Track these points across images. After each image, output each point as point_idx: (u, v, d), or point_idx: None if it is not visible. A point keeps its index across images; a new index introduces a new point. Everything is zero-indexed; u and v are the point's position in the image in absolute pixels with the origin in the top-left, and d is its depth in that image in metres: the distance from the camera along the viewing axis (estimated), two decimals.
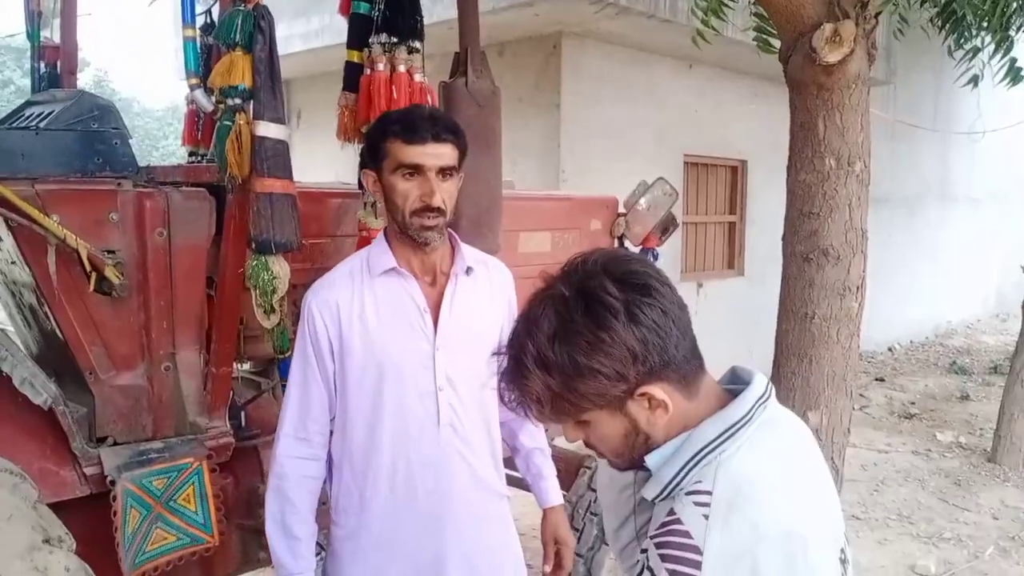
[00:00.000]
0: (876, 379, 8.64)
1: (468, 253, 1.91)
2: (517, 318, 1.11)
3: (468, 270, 1.88)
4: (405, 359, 1.81)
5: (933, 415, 7.33)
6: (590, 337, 1.02)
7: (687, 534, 0.99)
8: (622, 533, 1.27)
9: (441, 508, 1.87)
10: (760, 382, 1.13)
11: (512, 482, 3.41)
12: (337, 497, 1.91)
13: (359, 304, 1.81)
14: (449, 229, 1.89)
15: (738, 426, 1.07)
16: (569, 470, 3.13)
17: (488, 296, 1.92)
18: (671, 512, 1.04)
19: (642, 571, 1.02)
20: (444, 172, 1.78)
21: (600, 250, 1.11)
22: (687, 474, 1.07)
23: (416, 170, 1.75)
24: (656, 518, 1.09)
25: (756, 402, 1.09)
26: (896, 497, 5.32)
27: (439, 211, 1.77)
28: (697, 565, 0.97)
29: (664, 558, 0.99)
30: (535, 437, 2.13)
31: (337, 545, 1.91)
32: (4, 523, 1.70)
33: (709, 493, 1.02)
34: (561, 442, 3.54)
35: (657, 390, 1.05)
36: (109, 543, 2.02)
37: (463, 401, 1.86)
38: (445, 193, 1.78)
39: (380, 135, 1.80)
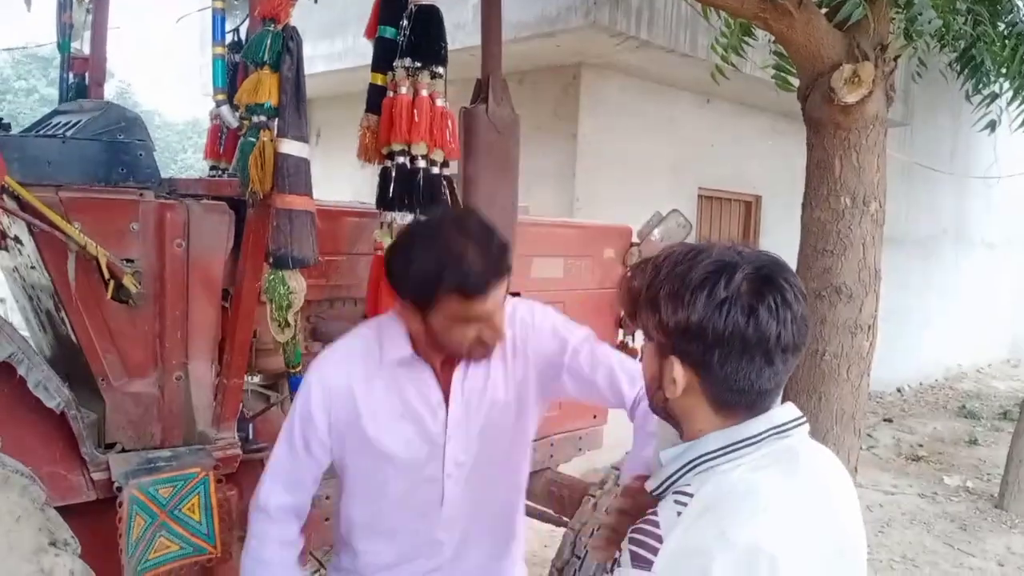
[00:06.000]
0: (884, 420, 8.58)
1: None
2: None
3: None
4: (412, 452, 1.69)
5: (941, 458, 7.27)
6: (686, 286, 1.08)
7: (656, 524, 1.05)
8: None
9: None
10: (782, 413, 1.13)
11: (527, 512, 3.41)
12: (339, 545, 1.85)
13: (367, 393, 1.67)
14: None
15: (741, 445, 1.09)
16: (573, 497, 3.13)
17: (507, 362, 1.73)
18: (655, 509, 1.09)
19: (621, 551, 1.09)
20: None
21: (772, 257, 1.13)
22: (681, 477, 1.11)
23: (481, 317, 1.55)
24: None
25: (769, 429, 1.11)
26: (901, 539, 5.27)
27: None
28: (654, 551, 1.02)
29: (631, 540, 1.06)
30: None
31: None
32: (13, 524, 1.71)
33: (690, 495, 1.06)
34: (566, 468, 3.54)
35: (680, 370, 1.10)
36: (113, 548, 2.02)
37: (472, 482, 1.74)
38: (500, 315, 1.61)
39: (432, 285, 1.51)
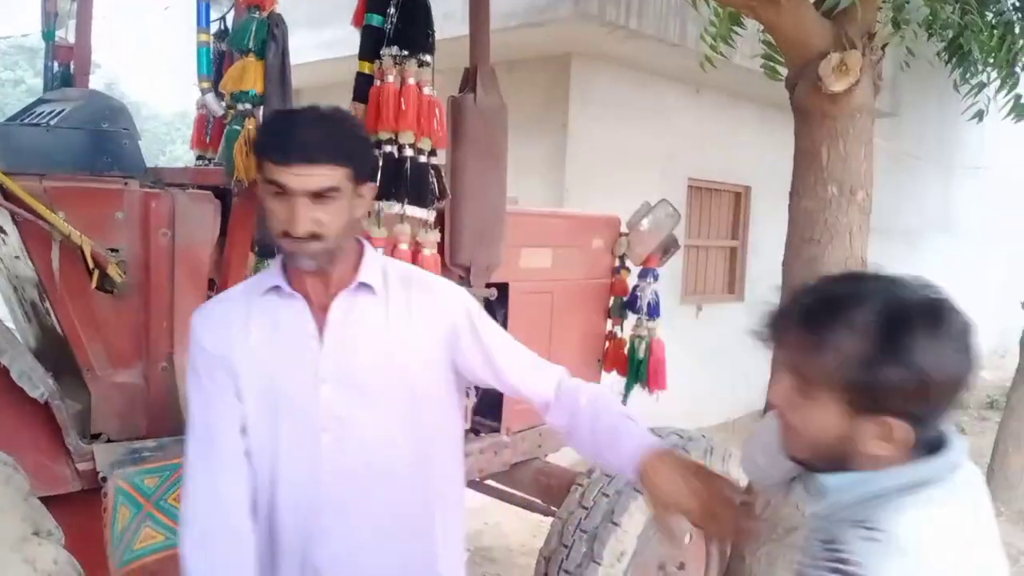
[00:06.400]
0: None
1: (373, 269, 1.58)
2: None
3: (364, 287, 1.56)
4: (295, 390, 1.55)
5: None
6: (883, 342, 1.02)
7: (858, 564, 1.00)
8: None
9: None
10: (958, 450, 1.10)
11: (501, 496, 3.42)
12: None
13: (247, 324, 1.56)
14: (361, 238, 1.63)
15: (924, 484, 1.06)
16: (560, 486, 3.14)
17: (403, 322, 1.57)
18: (834, 540, 1.04)
19: None
20: (320, 195, 1.44)
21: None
22: (859, 508, 1.07)
23: (283, 191, 1.44)
24: (814, 536, 1.10)
25: (951, 466, 1.09)
26: None
27: (311, 236, 1.46)
28: None
29: (830, 569, 1.02)
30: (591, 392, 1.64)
31: None
32: None
33: (883, 531, 1.02)
34: (553, 459, 3.54)
35: (899, 427, 1.04)
36: (98, 539, 2.02)
37: (354, 447, 1.56)
38: (322, 216, 1.45)
39: (256, 144, 1.53)
